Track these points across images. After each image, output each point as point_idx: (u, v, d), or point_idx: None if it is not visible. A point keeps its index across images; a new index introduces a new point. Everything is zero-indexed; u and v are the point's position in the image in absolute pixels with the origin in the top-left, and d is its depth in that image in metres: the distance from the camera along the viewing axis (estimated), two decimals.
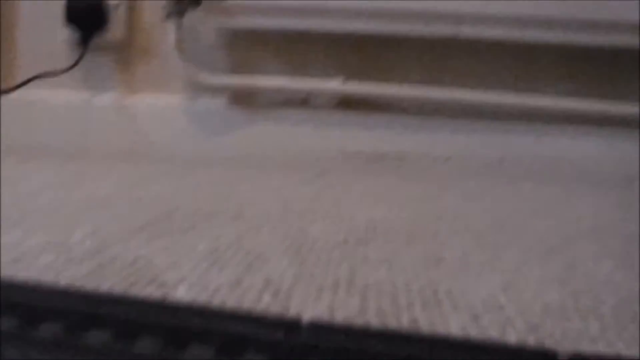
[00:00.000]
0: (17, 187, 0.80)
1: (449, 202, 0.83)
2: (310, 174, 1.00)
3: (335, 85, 1.12)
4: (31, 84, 1.11)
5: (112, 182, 0.88)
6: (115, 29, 1.15)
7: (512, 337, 0.36)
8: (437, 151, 1.16)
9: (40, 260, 0.47)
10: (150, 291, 0.41)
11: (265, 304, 0.40)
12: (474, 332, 0.36)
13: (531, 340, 0.35)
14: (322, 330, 0.30)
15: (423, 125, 1.16)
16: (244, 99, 1.17)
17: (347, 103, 1.15)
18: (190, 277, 0.45)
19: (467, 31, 1.09)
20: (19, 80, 1.13)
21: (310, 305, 0.40)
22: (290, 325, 0.30)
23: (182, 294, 0.41)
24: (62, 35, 1.14)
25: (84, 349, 0.25)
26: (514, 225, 0.69)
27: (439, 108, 1.15)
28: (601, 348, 0.35)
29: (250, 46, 1.15)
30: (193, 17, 1.11)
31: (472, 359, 0.27)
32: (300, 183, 0.92)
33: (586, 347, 0.35)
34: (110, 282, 0.42)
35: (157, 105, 1.18)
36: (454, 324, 0.37)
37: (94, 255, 0.49)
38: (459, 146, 1.16)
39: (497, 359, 0.27)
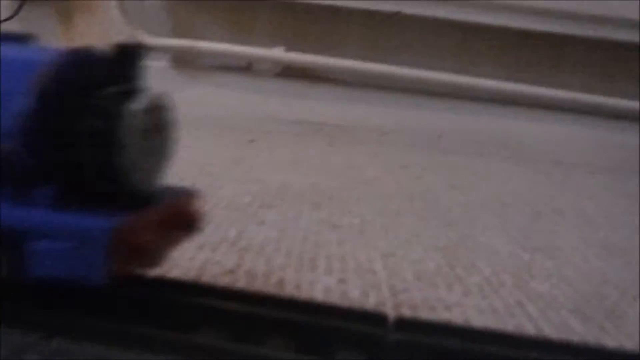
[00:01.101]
0: None
1: (372, 172, 0.83)
2: (242, 138, 0.99)
3: (277, 53, 1.10)
4: None
5: None
6: None
7: (371, 300, 0.36)
8: (374, 123, 1.16)
9: None
10: None
11: None
12: (336, 294, 0.36)
13: (390, 303, 0.35)
14: (160, 284, 0.29)
15: (362, 98, 1.15)
16: (186, 62, 1.14)
17: (289, 72, 1.14)
18: None
19: (409, 9, 1.09)
20: None
21: (184, 264, 0.39)
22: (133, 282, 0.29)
23: None
24: None
25: None
26: (428, 196, 0.69)
27: (379, 82, 1.14)
28: (453, 315, 0.35)
29: (194, 10, 1.12)
30: None
31: (302, 318, 0.27)
32: (228, 147, 0.91)
33: (440, 313, 0.35)
34: None
35: None
36: (319, 286, 0.37)
37: None
38: (397, 120, 1.16)
39: (325, 320, 0.26)
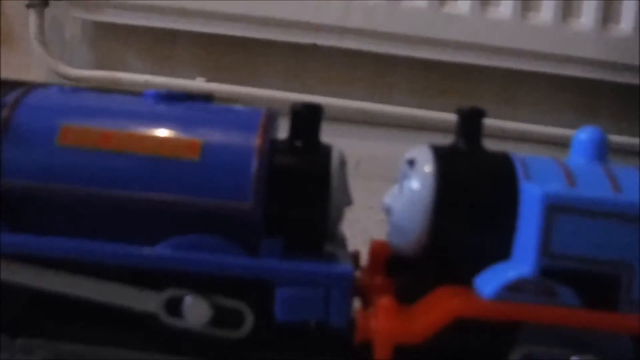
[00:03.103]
0: None
1: None
2: None
3: (198, 84, 1.11)
4: None
5: None
6: None
7: None
8: None
9: None
10: None
11: None
12: None
13: None
14: None
15: (285, 127, 1.17)
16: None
17: None
18: None
19: (324, 40, 1.12)
20: None
21: None
22: None
23: None
24: None
25: None
26: (349, 216, 0.72)
27: None
28: None
29: (115, 41, 1.12)
30: (57, 7, 1.07)
31: None
32: None
33: None
34: None
35: None
36: None
37: None
38: None
39: None
